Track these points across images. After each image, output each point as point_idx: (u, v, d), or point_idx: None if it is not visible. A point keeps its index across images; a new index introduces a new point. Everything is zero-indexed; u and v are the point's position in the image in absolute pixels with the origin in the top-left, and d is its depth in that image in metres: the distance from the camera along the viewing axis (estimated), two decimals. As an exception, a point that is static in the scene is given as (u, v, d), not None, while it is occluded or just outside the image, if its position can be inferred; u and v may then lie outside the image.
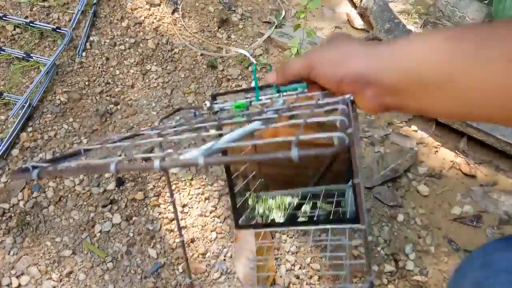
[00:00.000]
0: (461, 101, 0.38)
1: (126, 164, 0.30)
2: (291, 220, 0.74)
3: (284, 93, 0.57)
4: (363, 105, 0.44)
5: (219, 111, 0.57)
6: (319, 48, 0.47)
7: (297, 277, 0.90)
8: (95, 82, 1.15)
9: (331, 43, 0.46)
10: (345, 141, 0.32)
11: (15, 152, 0.99)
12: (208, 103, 0.57)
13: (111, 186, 0.98)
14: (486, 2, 1.40)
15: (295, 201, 0.76)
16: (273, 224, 0.77)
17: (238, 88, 1.21)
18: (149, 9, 1.33)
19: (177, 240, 0.93)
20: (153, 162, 0.29)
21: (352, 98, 0.44)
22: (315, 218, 0.70)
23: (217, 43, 1.29)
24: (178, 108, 0.64)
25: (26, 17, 1.23)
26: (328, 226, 0.66)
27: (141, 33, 1.27)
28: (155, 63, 1.22)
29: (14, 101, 1.05)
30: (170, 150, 0.32)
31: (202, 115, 0.59)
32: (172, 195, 0.53)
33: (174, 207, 0.53)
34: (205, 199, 0.99)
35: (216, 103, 0.58)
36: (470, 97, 0.37)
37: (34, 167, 0.31)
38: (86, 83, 1.14)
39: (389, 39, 0.41)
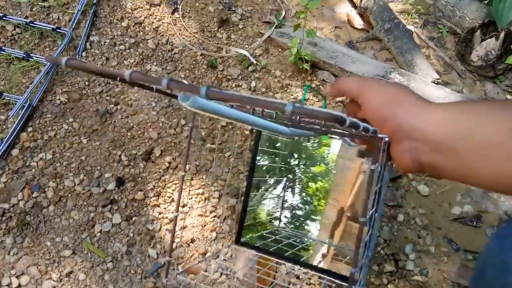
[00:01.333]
0: None
1: (139, 74, 0.32)
2: (296, 260, 0.78)
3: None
4: (396, 156, 0.42)
5: None
6: (377, 79, 0.45)
7: (297, 277, 0.90)
8: (95, 82, 1.15)
9: (390, 82, 0.45)
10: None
11: (15, 152, 0.99)
12: None
13: (111, 186, 0.98)
14: (486, 2, 1.40)
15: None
16: (279, 254, 0.79)
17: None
18: (149, 9, 1.33)
19: (177, 240, 0.93)
20: (161, 80, 0.30)
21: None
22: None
23: (217, 43, 1.30)
24: None
25: (26, 17, 1.23)
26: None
27: (141, 33, 1.27)
28: (155, 63, 1.22)
29: (14, 101, 1.05)
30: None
31: None
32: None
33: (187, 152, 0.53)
34: (205, 199, 0.99)
35: None
36: None
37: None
38: (86, 83, 1.14)
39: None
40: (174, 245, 0.92)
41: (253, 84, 1.21)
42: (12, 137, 1.00)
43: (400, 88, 0.43)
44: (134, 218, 0.95)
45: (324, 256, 0.79)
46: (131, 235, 0.92)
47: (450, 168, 0.39)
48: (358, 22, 1.45)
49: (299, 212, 0.82)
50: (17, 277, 0.85)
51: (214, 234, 0.94)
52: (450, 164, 0.38)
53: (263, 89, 1.21)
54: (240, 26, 1.35)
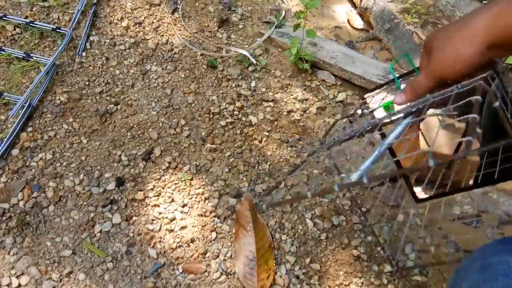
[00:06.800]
0: None
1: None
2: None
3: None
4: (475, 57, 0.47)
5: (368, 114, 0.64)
6: (434, 55, 0.50)
7: (297, 277, 0.90)
8: (95, 82, 1.15)
9: (438, 43, 0.49)
10: (471, 145, 0.39)
11: (15, 152, 0.99)
12: (359, 111, 0.65)
13: (111, 186, 0.98)
14: (485, 2, 1.40)
15: None
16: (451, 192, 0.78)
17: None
18: (149, 9, 1.33)
19: (177, 240, 0.93)
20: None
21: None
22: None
23: (217, 43, 1.30)
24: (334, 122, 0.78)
25: (26, 17, 1.23)
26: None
27: (141, 33, 1.27)
28: (155, 63, 1.22)
29: (14, 101, 1.05)
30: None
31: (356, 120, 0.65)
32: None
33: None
34: (205, 199, 0.99)
35: (363, 109, 0.65)
36: None
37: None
38: (86, 83, 1.14)
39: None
40: (174, 245, 0.92)
41: (253, 84, 1.21)
42: (12, 137, 1.00)
43: (456, 33, 0.48)
44: (134, 218, 0.95)
45: None
46: (131, 235, 0.92)
47: None
48: (358, 22, 1.46)
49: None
50: (17, 277, 0.85)
51: (214, 234, 0.94)
52: None
53: (263, 89, 1.21)
54: (240, 26, 1.36)
